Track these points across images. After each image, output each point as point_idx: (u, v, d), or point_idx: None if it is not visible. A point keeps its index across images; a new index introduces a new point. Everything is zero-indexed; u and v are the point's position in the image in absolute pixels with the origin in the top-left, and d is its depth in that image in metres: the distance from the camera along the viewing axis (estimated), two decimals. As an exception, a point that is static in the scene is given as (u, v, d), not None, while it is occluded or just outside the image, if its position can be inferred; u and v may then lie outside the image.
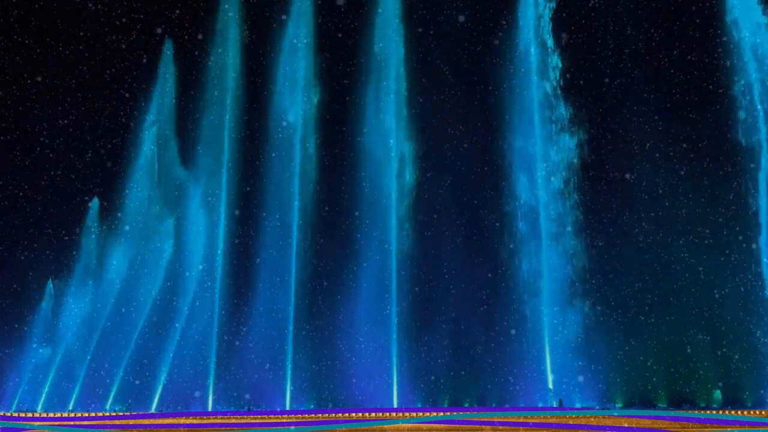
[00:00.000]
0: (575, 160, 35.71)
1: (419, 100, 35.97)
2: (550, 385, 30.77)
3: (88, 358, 31.92)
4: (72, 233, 38.25)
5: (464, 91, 36.84)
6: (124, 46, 41.61)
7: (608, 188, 35.62)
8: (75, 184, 38.55)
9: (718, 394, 30.16)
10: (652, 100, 36.27)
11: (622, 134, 36.87)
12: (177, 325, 33.44)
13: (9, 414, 25.47)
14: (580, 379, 32.12)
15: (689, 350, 31.24)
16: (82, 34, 40.85)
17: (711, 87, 35.58)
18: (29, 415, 23.97)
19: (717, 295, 32.30)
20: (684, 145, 35.35)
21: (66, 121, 40.53)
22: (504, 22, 37.49)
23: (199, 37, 39.35)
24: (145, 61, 41.15)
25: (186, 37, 40.07)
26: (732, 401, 29.34)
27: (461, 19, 37.90)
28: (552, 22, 36.95)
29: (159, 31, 40.92)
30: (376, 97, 35.71)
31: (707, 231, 33.08)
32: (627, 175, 36.10)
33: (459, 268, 34.13)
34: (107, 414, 24.48)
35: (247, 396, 32.22)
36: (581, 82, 37.33)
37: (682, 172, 34.64)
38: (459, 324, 33.56)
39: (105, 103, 40.40)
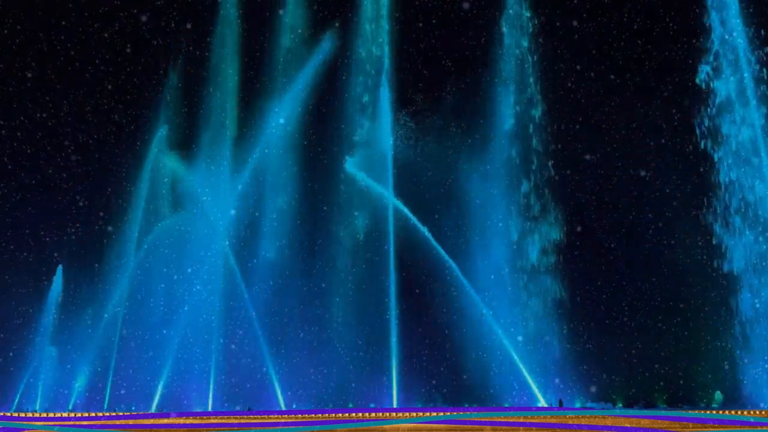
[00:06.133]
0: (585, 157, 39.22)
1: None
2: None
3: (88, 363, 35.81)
4: (53, 234, 41.53)
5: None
6: (106, 35, 44.64)
7: (617, 187, 39.09)
8: (59, 183, 41.91)
9: (718, 394, 34.14)
10: (665, 96, 39.64)
11: (634, 128, 40.26)
12: (165, 330, 37.08)
13: (9, 414, 28.98)
14: (593, 389, 36.07)
15: (696, 353, 35.06)
16: (64, 23, 43.88)
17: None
18: (29, 415, 27.51)
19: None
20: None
21: (45, 115, 43.65)
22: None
23: (188, 26, 42.47)
24: (129, 51, 44.25)
25: (173, 25, 43.13)
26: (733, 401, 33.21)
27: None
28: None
29: (144, 19, 43.89)
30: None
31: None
32: (642, 173, 39.43)
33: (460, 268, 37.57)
34: (107, 414, 27.97)
35: (238, 407, 35.96)
36: (591, 74, 40.85)
37: (695, 175, 37.77)
38: (461, 328, 37.10)
39: (87, 97, 43.61)
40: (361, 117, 38.82)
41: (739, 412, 28.20)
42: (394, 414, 27.98)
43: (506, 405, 34.38)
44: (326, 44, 39.50)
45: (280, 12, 40.05)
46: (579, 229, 38.47)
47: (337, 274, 37.60)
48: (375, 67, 39.00)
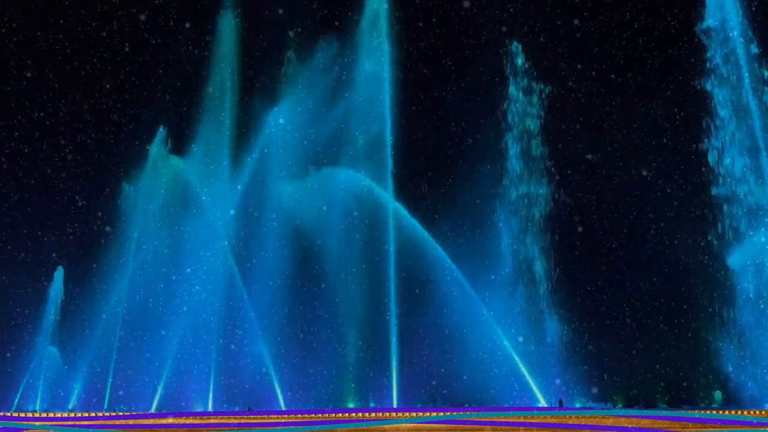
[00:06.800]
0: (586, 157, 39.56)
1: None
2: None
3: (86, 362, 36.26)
4: (52, 234, 41.89)
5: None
6: (104, 34, 44.95)
7: (617, 187, 39.40)
8: (58, 183, 42.29)
9: (718, 394, 34.56)
10: (666, 96, 39.91)
11: (635, 128, 40.54)
12: (165, 331, 37.48)
13: (9, 414, 29.37)
14: (594, 390, 36.50)
15: (697, 353, 35.48)
16: (62, 22, 44.21)
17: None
18: (29, 415, 27.87)
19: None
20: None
21: (43, 114, 43.99)
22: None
23: (187, 25, 42.83)
24: (127, 50, 44.60)
25: (172, 24, 43.49)
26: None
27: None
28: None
29: (143, 18, 44.23)
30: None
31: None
32: (643, 173, 39.70)
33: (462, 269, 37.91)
34: (107, 414, 28.35)
35: (238, 407, 36.37)
36: (592, 73, 41.18)
37: (697, 174, 38.06)
38: (461, 328, 37.47)
39: (86, 96, 43.94)
40: (361, 117, 39.21)
41: (740, 412, 28.53)
42: (394, 414, 28.31)
43: (506, 405, 34.73)
44: (326, 44, 39.93)
45: (280, 11, 40.46)
46: (579, 229, 38.84)
47: (337, 274, 37.98)
48: (375, 67, 39.35)
